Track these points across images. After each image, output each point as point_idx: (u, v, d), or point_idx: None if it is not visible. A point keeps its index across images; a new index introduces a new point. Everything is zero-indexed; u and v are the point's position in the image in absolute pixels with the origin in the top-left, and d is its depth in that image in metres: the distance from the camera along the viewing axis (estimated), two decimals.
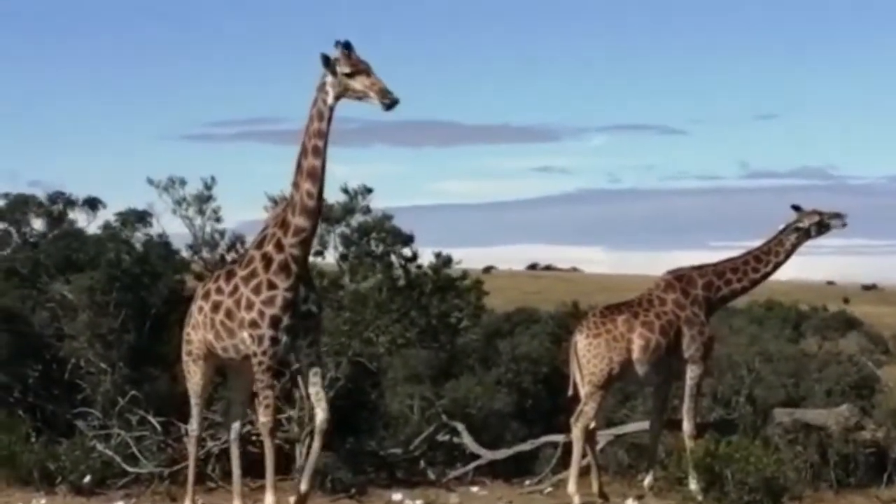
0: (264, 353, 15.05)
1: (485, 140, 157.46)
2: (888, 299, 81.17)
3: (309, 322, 15.06)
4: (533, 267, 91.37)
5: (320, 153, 14.54)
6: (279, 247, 15.03)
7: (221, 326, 15.42)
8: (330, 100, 14.39)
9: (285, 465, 18.25)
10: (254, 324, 15.04)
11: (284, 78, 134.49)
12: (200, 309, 15.66)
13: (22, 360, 20.28)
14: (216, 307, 15.40)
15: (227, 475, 18.62)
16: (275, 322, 15.00)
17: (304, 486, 15.05)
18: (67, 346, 20.23)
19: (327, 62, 14.07)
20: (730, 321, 32.89)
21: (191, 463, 16.41)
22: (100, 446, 18.78)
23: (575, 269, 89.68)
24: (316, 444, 15.16)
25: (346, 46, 14.17)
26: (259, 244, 15.36)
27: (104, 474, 18.56)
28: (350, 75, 14.18)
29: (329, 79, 14.31)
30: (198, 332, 15.77)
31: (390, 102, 14.10)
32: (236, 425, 16.17)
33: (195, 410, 16.18)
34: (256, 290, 15.06)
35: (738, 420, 19.05)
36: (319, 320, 15.28)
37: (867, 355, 26.95)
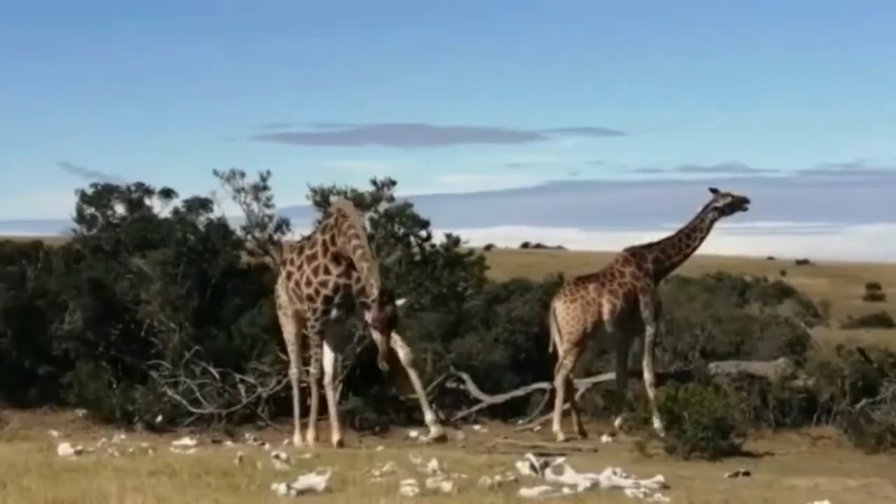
0: (316, 320, 15.39)
1: (457, 140, 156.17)
2: (818, 272, 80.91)
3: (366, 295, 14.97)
4: (526, 245, 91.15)
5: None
6: (332, 243, 15.23)
7: (293, 293, 15.71)
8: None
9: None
10: (310, 298, 15.36)
11: (290, 88, 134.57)
12: (283, 273, 16.00)
13: (106, 321, 20.26)
14: (289, 276, 15.69)
15: (273, 416, 18.59)
16: (327, 300, 15.30)
17: (429, 416, 15.44)
18: (143, 310, 20.20)
19: None
20: (686, 289, 32.75)
21: (295, 399, 16.43)
22: (169, 392, 18.76)
23: (560, 247, 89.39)
24: (413, 376, 15.38)
25: None
26: (323, 229, 15.51)
27: (173, 415, 18.55)
28: None
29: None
30: (280, 293, 16.09)
31: None
32: (329, 368, 16.03)
33: (292, 356, 16.38)
34: (315, 272, 15.32)
35: (694, 371, 18.93)
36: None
37: (800, 318, 26.84)
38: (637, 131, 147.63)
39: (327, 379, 15.92)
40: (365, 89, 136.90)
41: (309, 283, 15.40)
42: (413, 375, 15.46)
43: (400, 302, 15.26)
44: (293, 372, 16.50)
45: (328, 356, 15.95)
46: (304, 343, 16.40)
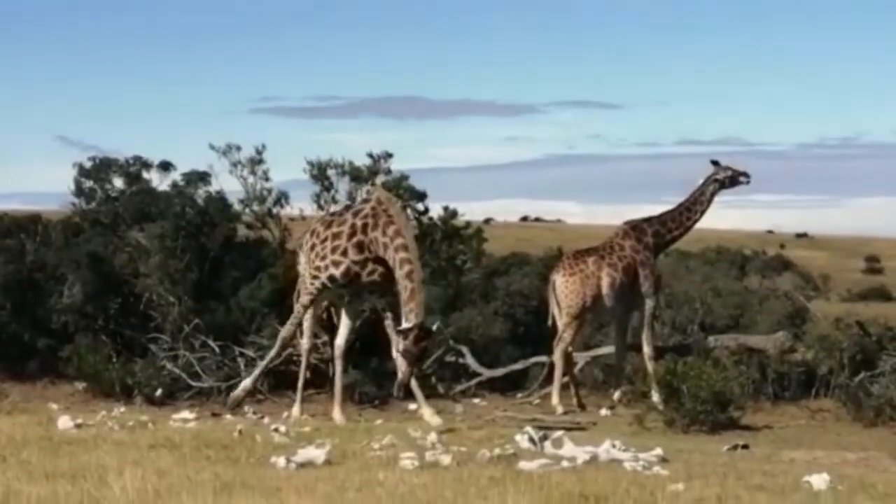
0: (311, 292, 15.40)
1: (454, 113, 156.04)
2: (817, 245, 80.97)
3: (374, 286, 15.11)
4: (524, 219, 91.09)
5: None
6: (363, 231, 15.07)
7: (310, 262, 15.63)
8: None
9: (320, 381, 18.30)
10: (317, 269, 15.26)
11: (285, 62, 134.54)
12: (307, 243, 15.88)
13: (105, 294, 20.25)
14: (312, 247, 15.59)
15: (272, 389, 18.60)
16: (331, 279, 15.22)
17: (427, 411, 15.33)
18: (142, 283, 20.18)
19: None
20: (686, 263, 32.70)
21: (301, 370, 16.39)
22: (169, 365, 18.77)
23: (559, 221, 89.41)
24: (413, 385, 15.17)
25: None
26: (356, 213, 15.33)
27: (172, 388, 18.54)
28: None
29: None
30: (300, 259, 16.07)
31: None
32: (341, 341, 16.00)
33: (306, 324, 16.29)
34: (333, 250, 15.19)
35: (693, 344, 18.96)
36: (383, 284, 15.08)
37: (799, 291, 26.82)
38: (635, 105, 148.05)
39: (338, 352, 15.90)
40: (361, 62, 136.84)
41: (323, 258, 15.36)
42: (413, 384, 15.31)
43: (434, 327, 14.66)
44: (304, 342, 16.46)
45: (343, 329, 15.92)
46: (327, 315, 16.47)
